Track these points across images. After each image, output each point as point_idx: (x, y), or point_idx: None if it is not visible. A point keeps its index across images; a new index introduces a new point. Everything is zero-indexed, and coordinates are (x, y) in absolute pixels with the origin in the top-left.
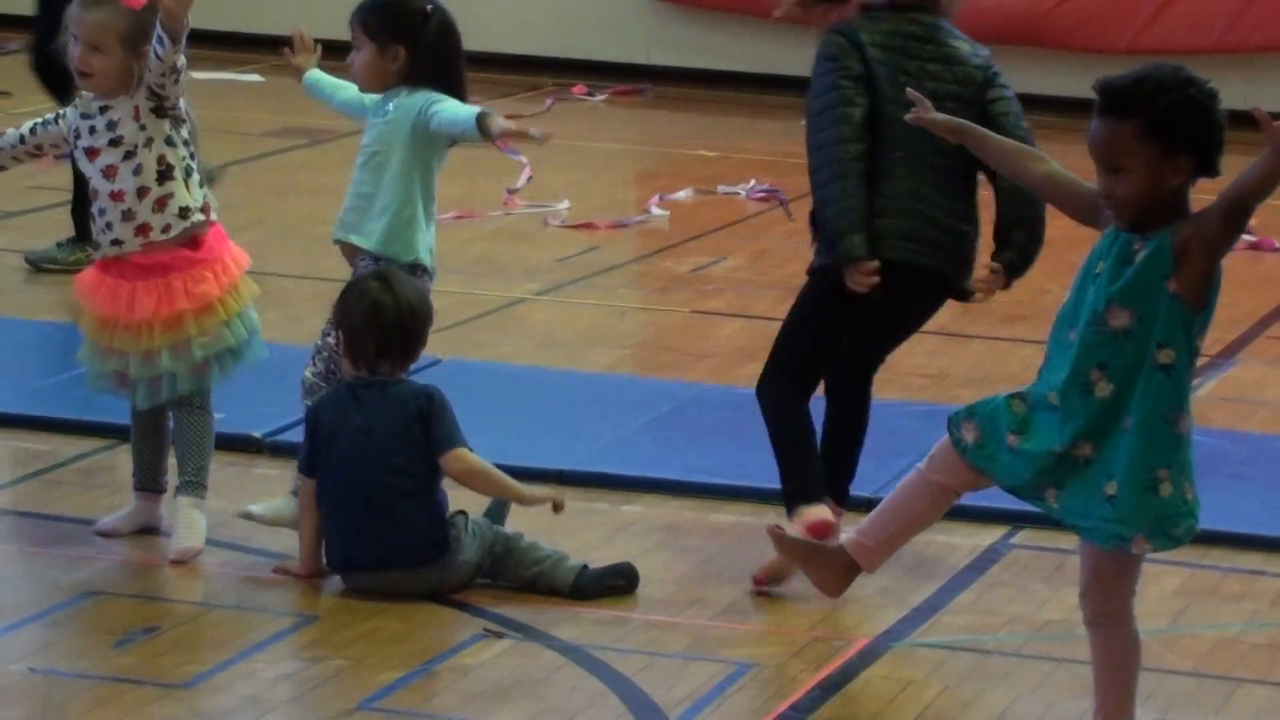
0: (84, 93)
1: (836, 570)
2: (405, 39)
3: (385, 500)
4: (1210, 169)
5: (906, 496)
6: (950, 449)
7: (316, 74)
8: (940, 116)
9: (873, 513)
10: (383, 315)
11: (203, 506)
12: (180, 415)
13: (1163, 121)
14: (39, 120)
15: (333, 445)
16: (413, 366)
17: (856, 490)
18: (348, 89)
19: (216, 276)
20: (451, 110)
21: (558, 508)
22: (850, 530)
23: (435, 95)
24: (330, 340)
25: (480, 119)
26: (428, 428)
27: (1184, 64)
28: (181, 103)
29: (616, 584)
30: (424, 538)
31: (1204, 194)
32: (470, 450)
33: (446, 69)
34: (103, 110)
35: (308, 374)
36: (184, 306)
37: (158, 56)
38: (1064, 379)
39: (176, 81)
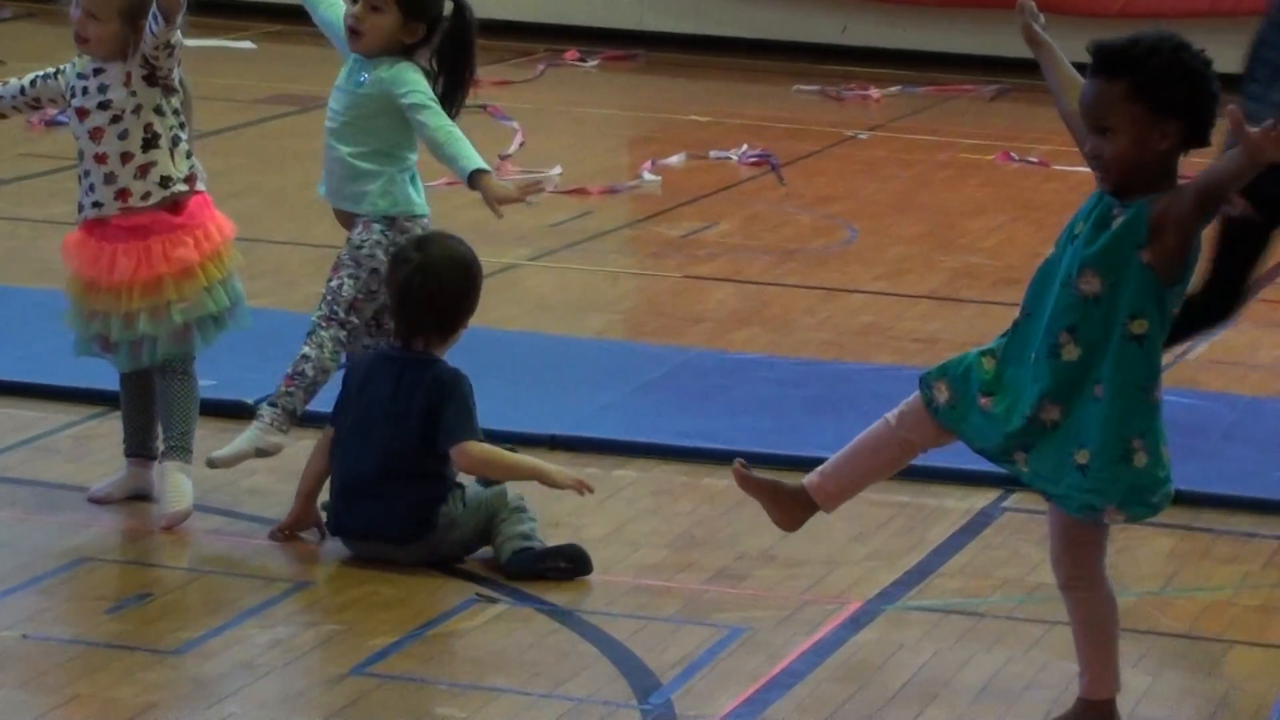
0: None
1: (795, 509)
2: (429, 19)
3: (377, 474)
4: (1200, 138)
5: (872, 445)
6: (921, 407)
7: None
8: (1026, 21)
9: (836, 456)
10: (410, 294)
11: (188, 471)
12: (163, 380)
13: (1151, 83)
14: (39, 74)
15: (354, 405)
16: None
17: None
18: (335, 6)
19: (197, 242)
20: (440, 131)
21: (582, 491)
22: (813, 472)
23: (413, 82)
24: (333, 284)
25: (475, 177)
26: (437, 418)
27: (1177, 28)
28: (175, 73)
29: (556, 565)
30: (403, 517)
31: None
32: (479, 441)
33: (455, 63)
34: (96, 73)
35: (313, 318)
36: (162, 270)
37: (152, 32)
38: (1037, 339)
39: (170, 55)
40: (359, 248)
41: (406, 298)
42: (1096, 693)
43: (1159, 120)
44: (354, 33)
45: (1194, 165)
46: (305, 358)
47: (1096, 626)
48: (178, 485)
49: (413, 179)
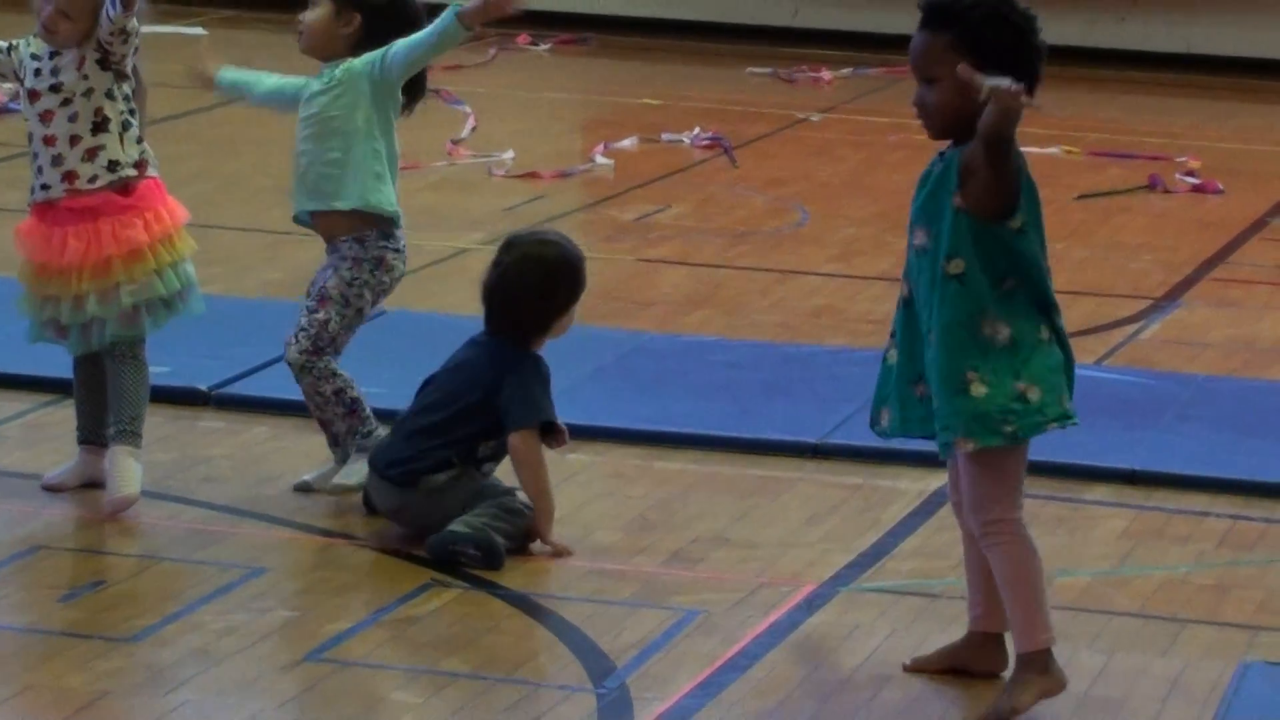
0: (36, 32)
1: (990, 652)
2: (362, 7)
3: (420, 410)
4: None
5: (970, 552)
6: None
7: (229, 72)
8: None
9: (970, 587)
10: (492, 300)
11: (137, 455)
12: (113, 365)
13: (974, 35)
14: None
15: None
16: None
17: (800, 437)
18: (268, 78)
19: (147, 225)
20: (412, 38)
21: (559, 554)
22: (967, 613)
23: (372, 51)
24: (319, 318)
25: (460, 14)
26: (499, 396)
27: (1111, 5)
28: (130, 60)
29: (465, 552)
30: (409, 456)
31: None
32: (533, 434)
33: (410, 31)
34: (51, 55)
35: (293, 353)
36: (111, 252)
37: (109, 18)
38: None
39: (125, 41)
40: (350, 285)
41: (490, 303)
42: (1028, 644)
43: (982, 71)
44: (305, 36)
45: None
46: (340, 391)
47: (1018, 575)
48: (126, 470)
49: (391, 183)
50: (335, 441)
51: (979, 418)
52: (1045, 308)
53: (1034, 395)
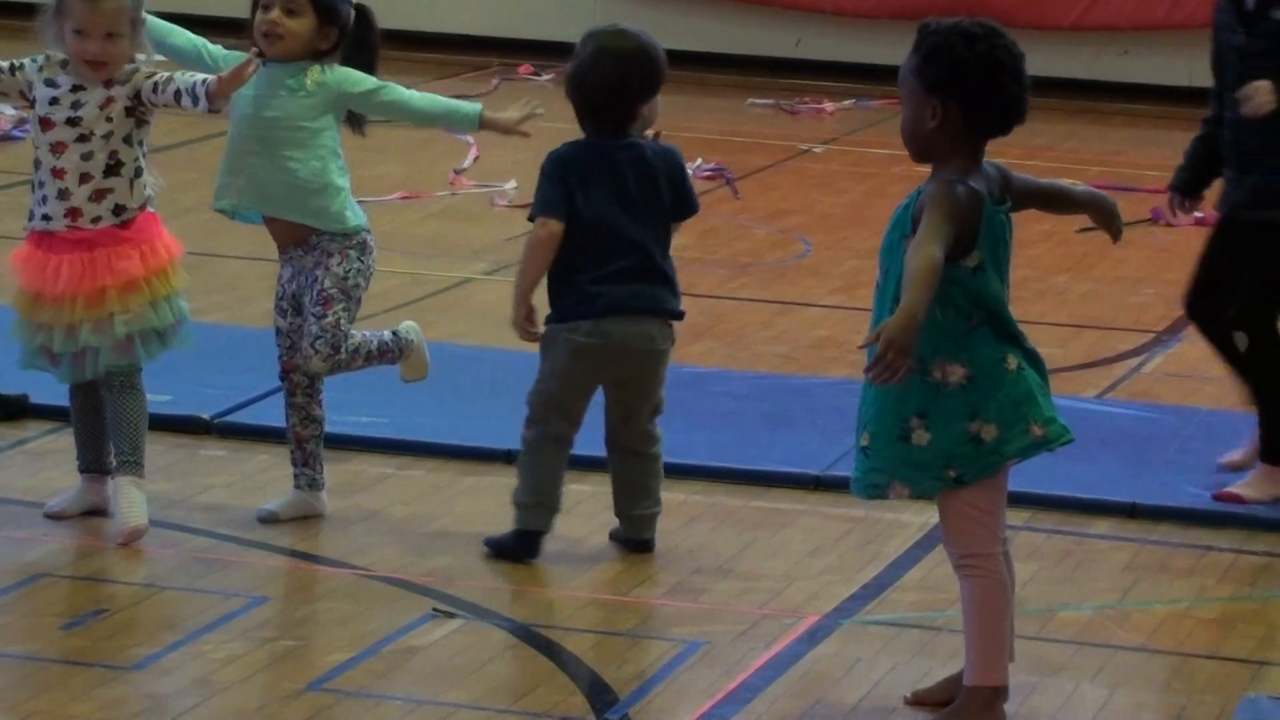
0: (49, 54)
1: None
2: (340, 25)
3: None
4: (981, 124)
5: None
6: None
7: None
8: None
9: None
10: (571, 94)
11: (141, 485)
12: (110, 395)
13: (924, 62)
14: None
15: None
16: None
17: (803, 469)
18: (180, 33)
19: (143, 256)
20: (419, 98)
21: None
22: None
23: (362, 77)
24: (328, 321)
25: (485, 119)
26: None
27: (1130, 42)
28: (155, 111)
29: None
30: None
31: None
32: (533, 223)
33: (366, 62)
34: (74, 89)
35: (318, 363)
36: (106, 282)
37: (176, 101)
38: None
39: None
40: (346, 278)
41: (572, 99)
42: (978, 679)
43: (927, 98)
44: (272, 36)
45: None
46: (316, 437)
47: (983, 611)
48: (132, 500)
49: (347, 193)
50: (305, 462)
51: (917, 465)
52: (1011, 337)
53: (988, 435)
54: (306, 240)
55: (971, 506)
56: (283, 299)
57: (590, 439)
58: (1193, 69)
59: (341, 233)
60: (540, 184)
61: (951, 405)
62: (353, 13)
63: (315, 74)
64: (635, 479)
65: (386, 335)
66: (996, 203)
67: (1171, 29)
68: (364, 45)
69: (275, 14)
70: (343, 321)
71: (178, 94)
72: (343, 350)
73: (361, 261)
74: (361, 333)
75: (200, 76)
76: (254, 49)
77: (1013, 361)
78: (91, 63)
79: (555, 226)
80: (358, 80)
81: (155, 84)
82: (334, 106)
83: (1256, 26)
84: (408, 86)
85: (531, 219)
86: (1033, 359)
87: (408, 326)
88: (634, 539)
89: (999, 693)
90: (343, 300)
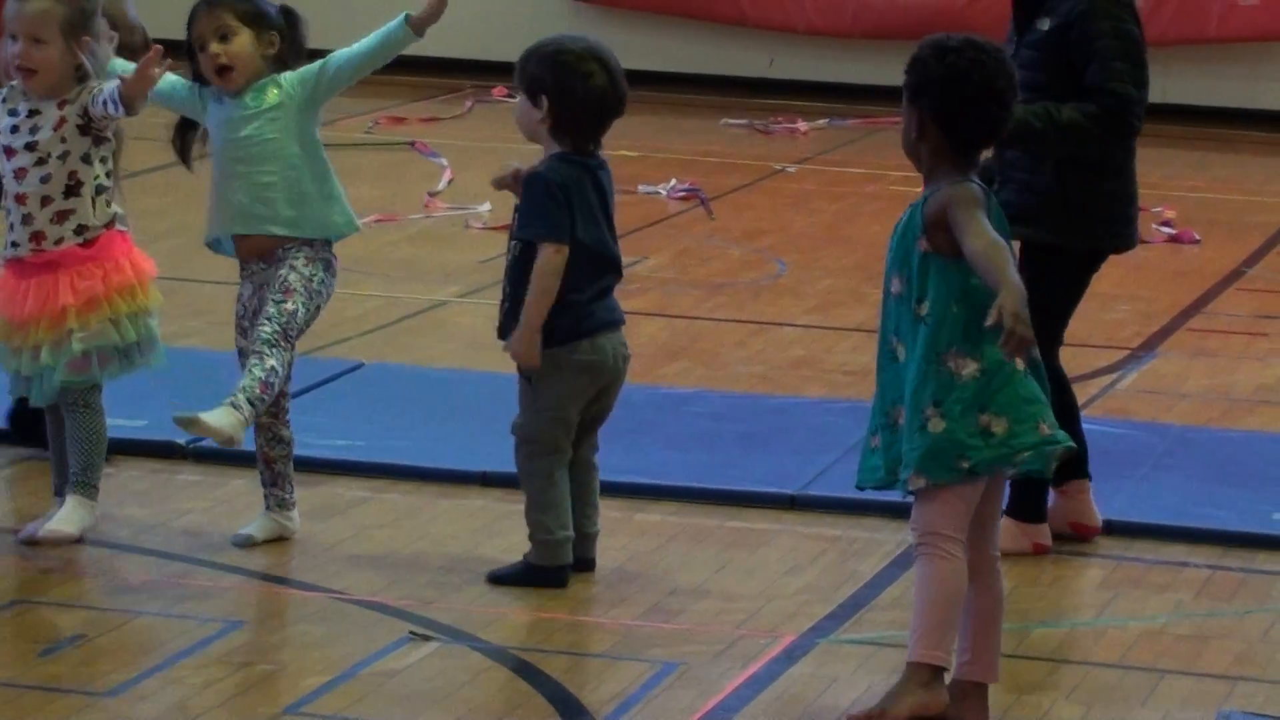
0: (12, 84)
1: (973, 703)
2: (277, 26)
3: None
4: (955, 137)
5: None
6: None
7: (117, 64)
8: None
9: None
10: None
11: (89, 506)
12: (67, 414)
13: (905, 73)
14: None
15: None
16: (334, 372)
17: (779, 489)
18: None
19: (106, 275)
20: (353, 49)
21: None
22: (954, 662)
23: (302, 69)
24: (287, 307)
25: (408, 19)
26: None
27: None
28: (112, 126)
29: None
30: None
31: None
32: (540, 249)
33: (299, 59)
34: (31, 114)
35: (265, 332)
36: (67, 302)
37: (106, 111)
38: (879, 355)
39: (113, 120)
40: (310, 279)
41: (564, 109)
42: (919, 656)
43: (911, 110)
44: (226, 70)
45: None
46: (274, 370)
47: (933, 590)
48: (69, 510)
49: (335, 195)
50: (274, 482)
51: (932, 454)
52: None
53: (999, 428)
54: (273, 253)
55: (944, 502)
56: (243, 317)
57: None
58: (1165, 86)
59: (308, 242)
60: (543, 206)
61: (964, 395)
62: (281, 14)
63: (273, 94)
64: (586, 493)
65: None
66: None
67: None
68: (295, 44)
69: (215, 45)
70: (300, 314)
71: (104, 102)
72: (290, 339)
73: (326, 275)
74: (281, 379)
75: (115, 82)
76: (158, 47)
77: (1020, 363)
78: (22, 70)
79: (565, 251)
80: (305, 76)
81: (94, 97)
82: (301, 110)
83: (1025, 38)
84: (380, 109)
85: (531, 241)
86: (1036, 368)
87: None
88: (582, 558)
89: (939, 673)
90: (304, 295)
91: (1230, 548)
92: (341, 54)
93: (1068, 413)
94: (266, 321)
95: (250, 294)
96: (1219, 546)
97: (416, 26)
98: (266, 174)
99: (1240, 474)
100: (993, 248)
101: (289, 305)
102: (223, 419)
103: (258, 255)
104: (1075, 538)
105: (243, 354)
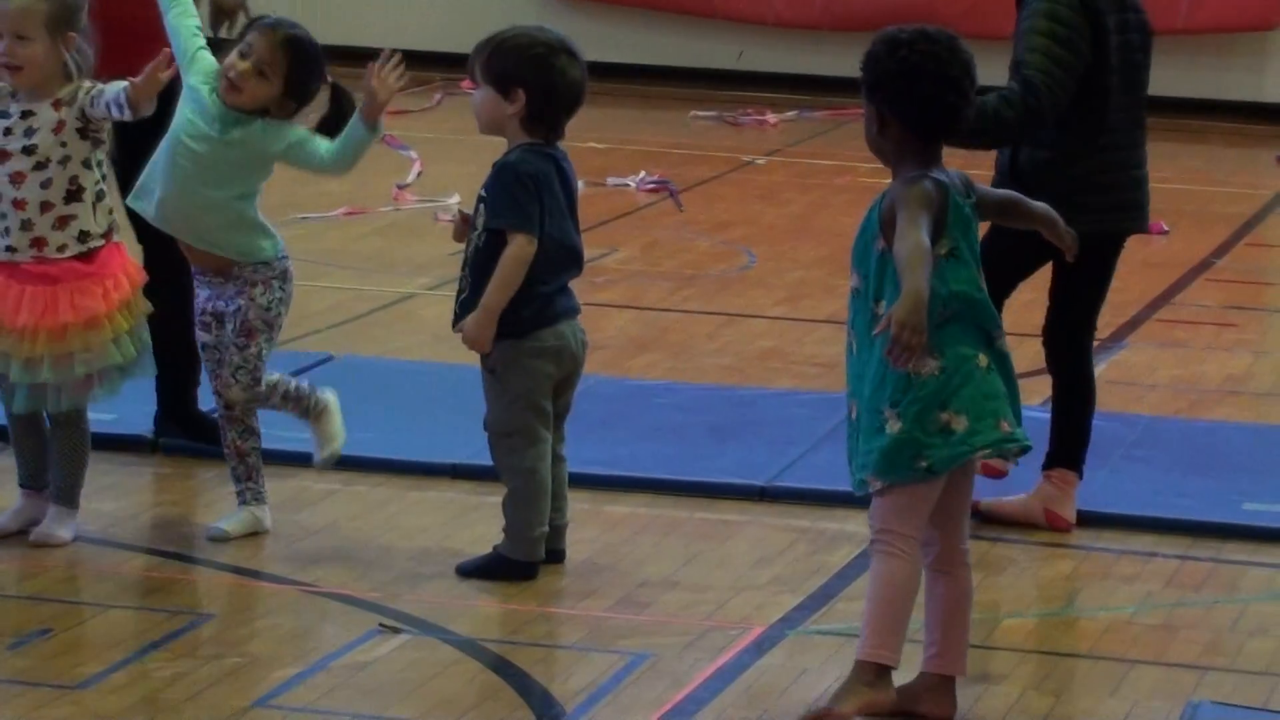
0: (1, 85)
1: (941, 696)
2: (302, 102)
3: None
4: (913, 129)
5: (925, 596)
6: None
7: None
8: None
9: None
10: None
11: (72, 514)
12: (55, 428)
13: (860, 68)
14: None
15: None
16: (304, 364)
17: (748, 480)
18: (190, 16)
19: (106, 293)
20: (333, 150)
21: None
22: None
23: (293, 130)
24: (251, 352)
25: (360, 116)
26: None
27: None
28: (107, 128)
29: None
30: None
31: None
32: (511, 237)
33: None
34: (24, 115)
35: (237, 393)
36: (68, 319)
37: (108, 111)
38: (846, 348)
39: (112, 122)
40: (268, 309)
41: (540, 98)
42: (866, 654)
43: (869, 105)
44: (234, 88)
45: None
46: (256, 449)
47: (886, 589)
48: (60, 519)
49: (265, 227)
50: (248, 476)
51: (889, 455)
52: (988, 336)
53: (959, 425)
54: (228, 270)
55: (904, 498)
56: (204, 314)
57: None
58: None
59: (263, 261)
60: (516, 197)
61: (924, 394)
62: (328, 91)
63: (248, 125)
64: (556, 485)
65: (304, 384)
66: (962, 196)
67: None
68: (334, 123)
69: (246, 67)
70: (264, 352)
71: (107, 105)
72: (262, 384)
73: (283, 290)
74: (279, 375)
75: (122, 84)
76: (167, 50)
77: (984, 360)
78: (7, 67)
79: (535, 242)
80: (286, 137)
81: (92, 98)
82: (262, 161)
83: (1020, 11)
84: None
85: (501, 230)
86: (1002, 362)
87: (328, 394)
88: (552, 549)
89: (886, 671)
90: (265, 331)
91: (1199, 538)
92: (322, 151)
93: (1082, 406)
94: (235, 379)
95: (207, 298)
96: (1188, 536)
97: (369, 120)
98: (216, 194)
99: (1209, 464)
100: (914, 251)
101: (252, 349)
102: (244, 521)
103: (210, 267)
104: (1046, 527)
105: (206, 349)
